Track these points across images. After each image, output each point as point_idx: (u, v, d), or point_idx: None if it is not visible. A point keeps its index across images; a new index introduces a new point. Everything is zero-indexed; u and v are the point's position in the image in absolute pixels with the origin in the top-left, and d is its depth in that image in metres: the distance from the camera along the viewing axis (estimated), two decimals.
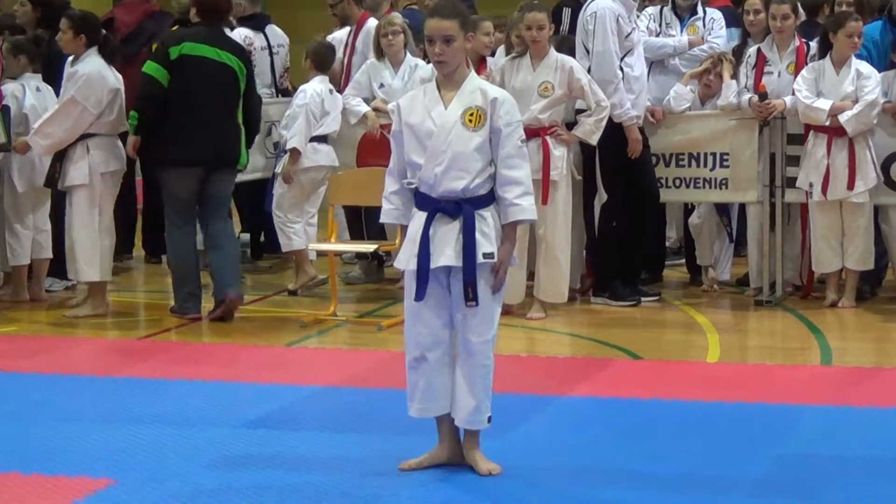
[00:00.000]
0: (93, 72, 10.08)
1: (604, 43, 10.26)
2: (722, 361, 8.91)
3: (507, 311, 9.61)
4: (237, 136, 10.18)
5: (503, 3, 11.49)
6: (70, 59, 10.32)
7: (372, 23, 11.82)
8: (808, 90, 10.23)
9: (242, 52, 10.43)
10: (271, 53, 12.61)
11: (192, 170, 10.03)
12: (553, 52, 10.18)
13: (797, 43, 10.64)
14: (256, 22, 12.66)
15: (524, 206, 6.19)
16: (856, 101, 10.13)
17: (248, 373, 8.52)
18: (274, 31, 12.79)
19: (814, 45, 10.57)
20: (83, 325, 10.14)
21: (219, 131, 10.06)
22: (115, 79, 10.19)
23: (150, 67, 10.04)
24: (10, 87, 10.65)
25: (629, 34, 10.35)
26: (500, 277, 6.22)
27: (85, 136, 10.13)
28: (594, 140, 10.18)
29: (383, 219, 6.48)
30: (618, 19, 10.28)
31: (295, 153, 10.94)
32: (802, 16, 11.27)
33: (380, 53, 11.08)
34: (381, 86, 10.97)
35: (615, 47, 10.26)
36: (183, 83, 9.95)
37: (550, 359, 9.07)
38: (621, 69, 10.30)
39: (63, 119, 10.07)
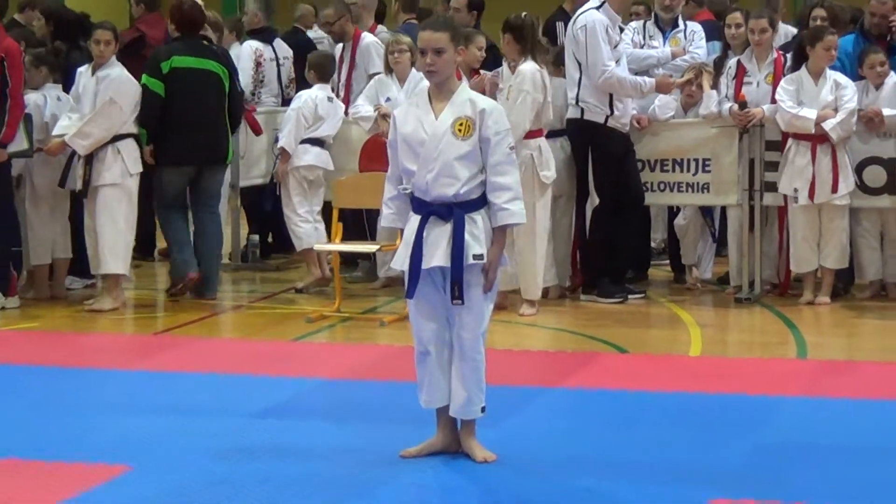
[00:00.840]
0: (123, 75, 10.41)
1: (595, 52, 10.25)
2: (704, 355, 8.92)
3: (501, 305, 9.68)
4: (226, 135, 10.86)
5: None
6: (84, 68, 10.48)
7: (368, 37, 11.85)
8: (791, 101, 10.23)
9: (223, 57, 10.99)
10: (278, 65, 12.65)
11: (186, 168, 10.65)
12: (524, 61, 10.17)
13: (774, 55, 10.67)
14: (266, 35, 12.74)
15: (513, 210, 6.20)
16: (835, 110, 10.15)
17: (258, 366, 8.53)
18: (280, 44, 12.82)
19: (789, 56, 10.61)
20: (101, 321, 10.14)
21: (210, 132, 10.74)
22: (135, 81, 10.46)
23: (148, 81, 10.56)
24: (33, 97, 10.66)
25: (615, 45, 10.37)
26: (490, 278, 6.23)
27: (114, 139, 10.32)
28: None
29: (383, 223, 6.56)
30: (607, 29, 10.30)
31: (284, 153, 11.03)
32: (782, 32, 11.32)
33: (388, 69, 11.11)
34: (388, 99, 10.97)
35: (607, 56, 10.26)
36: (176, 92, 10.58)
37: (542, 353, 9.09)
38: None
39: (103, 120, 10.27)
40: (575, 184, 10.72)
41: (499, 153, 6.18)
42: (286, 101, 12.57)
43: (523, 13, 10.32)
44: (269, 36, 12.75)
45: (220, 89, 10.77)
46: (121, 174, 10.34)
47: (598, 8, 10.38)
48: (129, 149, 10.38)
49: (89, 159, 10.30)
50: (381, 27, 12.38)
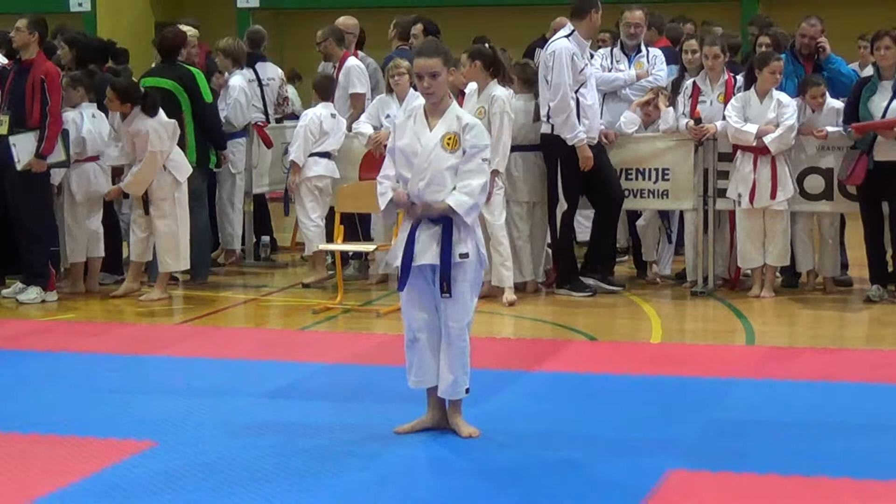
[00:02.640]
0: (152, 125, 10.28)
1: (560, 76, 10.26)
2: (663, 342, 8.91)
3: (490, 293, 9.83)
4: (183, 141, 10.75)
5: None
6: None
7: (352, 61, 11.79)
8: (737, 116, 10.26)
9: (183, 78, 11.03)
10: (261, 85, 12.42)
11: None
12: (493, 85, 10.20)
13: (726, 77, 10.68)
14: (249, 59, 12.47)
15: (457, 196, 6.13)
16: (777, 126, 10.16)
17: (268, 352, 8.51)
18: (264, 67, 12.60)
19: (740, 78, 10.64)
20: (130, 313, 10.13)
21: None
22: (166, 120, 10.38)
23: None
24: (71, 115, 10.64)
25: (582, 69, 10.35)
26: (414, 209, 6.18)
27: None
28: (500, 166, 10.09)
29: (382, 203, 6.32)
30: (573, 57, 10.29)
31: (294, 166, 11.03)
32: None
33: (389, 90, 11.07)
34: (388, 116, 10.93)
35: (570, 80, 10.26)
36: None
37: (521, 340, 9.08)
38: (577, 100, 10.30)
39: (150, 168, 10.29)
40: (547, 192, 10.70)
41: (472, 163, 6.18)
42: (287, 117, 12.59)
43: (486, 44, 10.45)
44: (252, 60, 12.59)
45: (175, 103, 10.81)
46: (171, 186, 10.37)
47: (568, 36, 10.39)
48: (174, 162, 10.40)
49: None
50: (360, 53, 12.31)
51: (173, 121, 10.42)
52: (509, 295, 10.19)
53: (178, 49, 11.24)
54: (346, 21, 12.34)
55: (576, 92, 10.29)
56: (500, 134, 10.09)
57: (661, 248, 11.29)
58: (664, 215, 11.18)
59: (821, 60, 10.82)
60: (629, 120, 10.85)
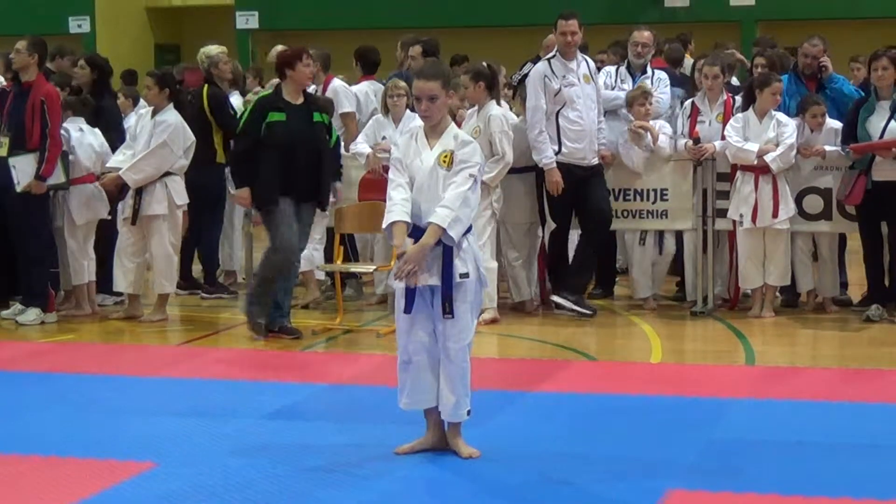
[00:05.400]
0: (178, 122, 10.38)
1: (529, 100, 10.33)
2: (663, 362, 8.92)
3: (493, 319, 9.95)
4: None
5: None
6: (145, 110, 10.61)
7: (336, 82, 11.84)
8: (737, 136, 10.29)
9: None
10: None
11: None
12: (491, 104, 10.23)
13: (724, 97, 10.72)
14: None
15: (437, 212, 6.14)
16: (777, 145, 10.19)
17: (268, 373, 8.52)
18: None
19: (738, 98, 10.67)
20: (130, 334, 10.14)
21: None
22: (190, 132, 10.45)
23: None
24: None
25: (558, 91, 10.35)
26: (400, 266, 6.18)
27: (163, 176, 10.34)
28: (492, 181, 10.09)
29: (386, 221, 6.27)
30: (545, 79, 10.32)
31: None
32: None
33: (385, 110, 11.08)
34: (384, 138, 10.93)
35: (540, 102, 10.29)
36: None
37: (520, 360, 9.08)
38: (557, 122, 10.32)
39: (155, 160, 10.28)
40: (538, 211, 10.72)
41: (457, 176, 6.19)
42: None
43: (485, 63, 10.47)
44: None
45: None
46: (168, 206, 10.38)
47: (551, 58, 10.43)
48: (175, 184, 10.42)
49: (139, 192, 10.34)
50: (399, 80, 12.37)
51: (194, 139, 10.46)
52: (488, 314, 10.12)
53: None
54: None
55: (556, 114, 10.31)
56: (505, 152, 10.11)
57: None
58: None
59: (823, 80, 10.87)
60: (628, 154, 10.76)
